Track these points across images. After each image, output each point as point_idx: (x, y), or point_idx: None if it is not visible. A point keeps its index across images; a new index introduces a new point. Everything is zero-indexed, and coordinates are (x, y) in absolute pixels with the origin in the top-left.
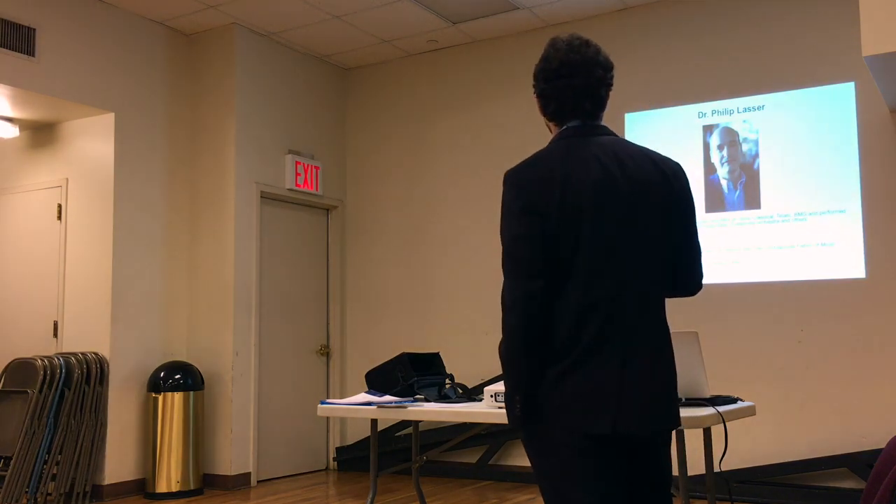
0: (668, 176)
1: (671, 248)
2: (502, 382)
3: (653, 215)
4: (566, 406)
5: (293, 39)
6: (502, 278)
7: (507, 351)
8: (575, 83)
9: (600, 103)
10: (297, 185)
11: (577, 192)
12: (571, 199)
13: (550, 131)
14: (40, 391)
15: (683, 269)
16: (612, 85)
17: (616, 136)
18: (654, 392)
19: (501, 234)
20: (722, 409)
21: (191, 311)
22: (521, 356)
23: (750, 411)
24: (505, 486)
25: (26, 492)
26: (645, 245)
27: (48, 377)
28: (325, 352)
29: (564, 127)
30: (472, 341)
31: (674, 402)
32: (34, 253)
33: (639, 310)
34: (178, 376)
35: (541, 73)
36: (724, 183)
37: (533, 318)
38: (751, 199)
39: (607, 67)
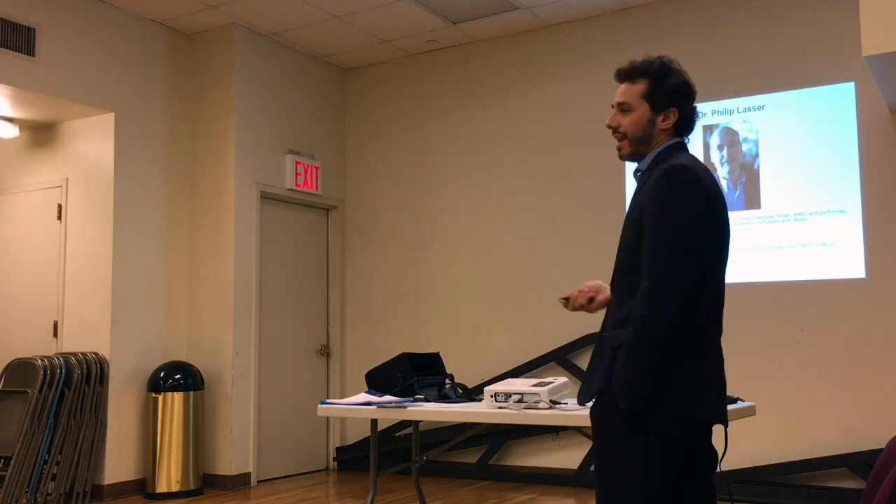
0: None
1: None
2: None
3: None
4: (683, 395)
5: (293, 39)
6: (662, 264)
7: (655, 331)
8: (696, 109)
9: None
10: (297, 185)
11: (723, 207)
12: (723, 211)
13: (646, 139)
14: (40, 391)
15: None
16: None
17: None
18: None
19: (665, 221)
20: None
21: (191, 311)
22: (665, 342)
23: (750, 411)
24: (505, 486)
25: (26, 492)
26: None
27: (48, 377)
28: (325, 352)
29: (678, 140)
30: (472, 341)
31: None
32: (34, 253)
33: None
34: (178, 376)
35: (688, 92)
36: (724, 183)
37: (682, 316)
38: (751, 199)
39: None
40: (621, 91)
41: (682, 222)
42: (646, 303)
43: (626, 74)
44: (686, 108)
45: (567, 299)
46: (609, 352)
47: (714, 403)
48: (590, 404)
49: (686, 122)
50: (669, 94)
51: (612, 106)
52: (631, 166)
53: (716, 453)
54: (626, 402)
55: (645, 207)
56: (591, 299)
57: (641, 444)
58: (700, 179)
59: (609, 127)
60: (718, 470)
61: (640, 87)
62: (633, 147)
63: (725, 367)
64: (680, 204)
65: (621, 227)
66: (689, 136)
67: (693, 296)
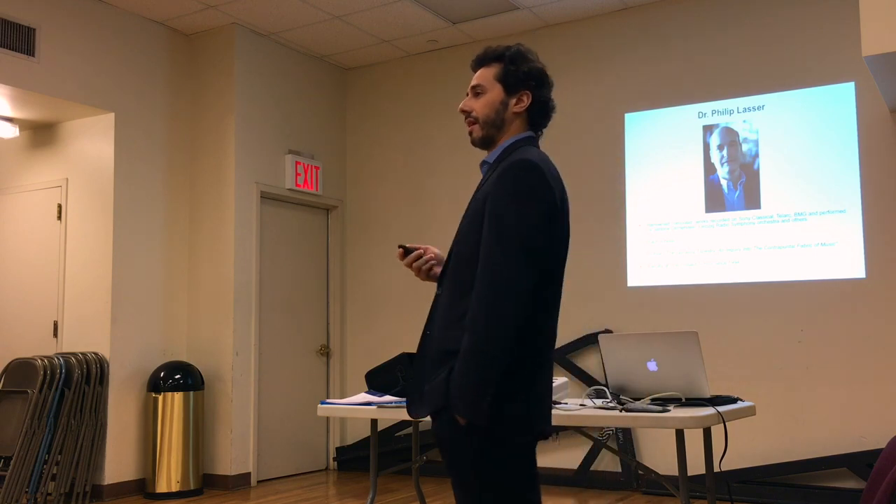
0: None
1: None
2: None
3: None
4: (531, 408)
5: (293, 39)
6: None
7: (493, 340)
8: (553, 101)
9: None
10: (297, 185)
11: (566, 206)
12: (565, 211)
13: (499, 124)
14: (40, 391)
15: None
16: None
17: None
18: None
19: (504, 217)
20: (722, 409)
21: (191, 311)
22: (507, 352)
23: (750, 411)
24: None
25: (26, 492)
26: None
27: (48, 377)
28: (325, 352)
29: (530, 133)
30: None
31: None
32: (34, 253)
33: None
34: (178, 376)
35: (544, 80)
36: (724, 183)
37: (525, 317)
38: (751, 199)
39: None
40: (476, 76)
41: (525, 221)
42: (483, 305)
43: (481, 60)
44: (541, 94)
45: (404, 249)
46: (439, 356)
47: (548, 415)
48: (426, 418)
49: (540, 110)
50: (524, 77)
51: (467, 93)
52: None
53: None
54: (469, 416)
55: (488, 200)
56: (429, 269)
57: (490, 458)
58: (544, 175)
59: (462, 111)
60: (718, 470)
61: (494, 69)
62: (485, 131)
63: (725, 367)
64: (524, 200)
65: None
66: (543, 130)
67: (534, 298)
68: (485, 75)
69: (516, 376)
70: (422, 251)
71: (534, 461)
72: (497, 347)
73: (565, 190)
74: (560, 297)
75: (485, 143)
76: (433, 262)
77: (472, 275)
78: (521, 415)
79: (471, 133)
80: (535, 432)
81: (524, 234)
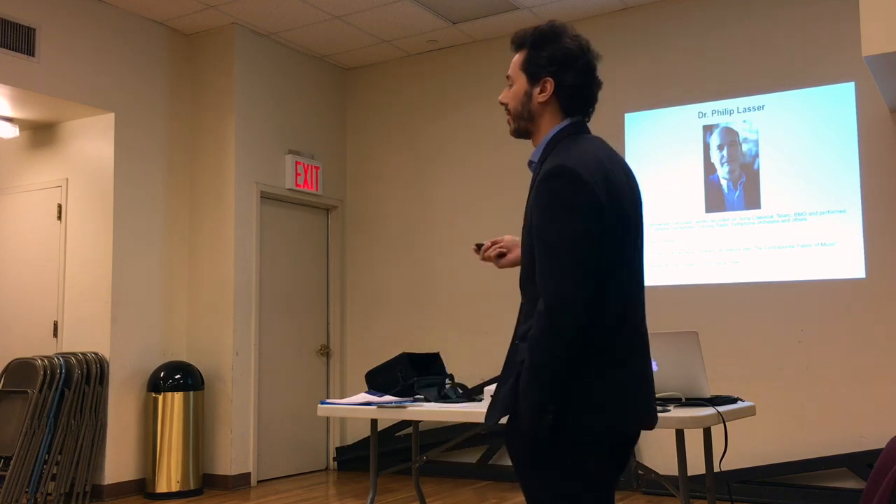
0: (639, 191)
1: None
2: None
3: (642, 225)
4: (599, 409)
5: (293, 39)
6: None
7: (549, 357)
8: (597, 81)
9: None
10: (297, 185)
11: (618, 196)
12: (616, 202)
13: (533, 117)
14: (40, 391)
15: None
16: None
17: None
18: (653, 398)
19: (548, 229)
20: (722, 409)
21: (191, 311)
22: (563, 365)
23: (750, 411)
24: (505, 486)
25: (26, 492)
26: (643, 255)
27: (48, 377)
28: (325, 352)
29: (570, 121)
30: (472, 341)
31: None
32: (34, 253)
33: (643, 317)
34: (178, 376)
35: (570, 59)
36: (724, 183)
37: (583, 328)
38: (751, 199)
39: None
40: (511, 63)
41: (567, 233)
42: (541, 323)
43: (513, 44)
44: (566, 77)
45: (478, 246)
46: (513, 367)
47: (625, 414)
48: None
49: (570, 95)
50: (545, 63)
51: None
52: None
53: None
54: (530, 426)
55: (532, 213)
56: (502, 255)
57: (554, 469)
58: (581, 178)
59: (500, 104)
60: (718, 470)
61: (521, 56)
62: (516, 123)
63: (725, 367)
64: (562, 213)
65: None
66: (589, 113)
67: (593, 307)
68: (514, 63)
69: (579, 385)
70: (489, 243)
71: (606, 468)
72: (556, 362)
73: (617, 174)
74: (634, 288)
75: (520, 135)
76: (501, 248)
77: (536, 288)
78: (586, 423)
79: (508, 125)
80: (606, 437)
81: (568, 248)
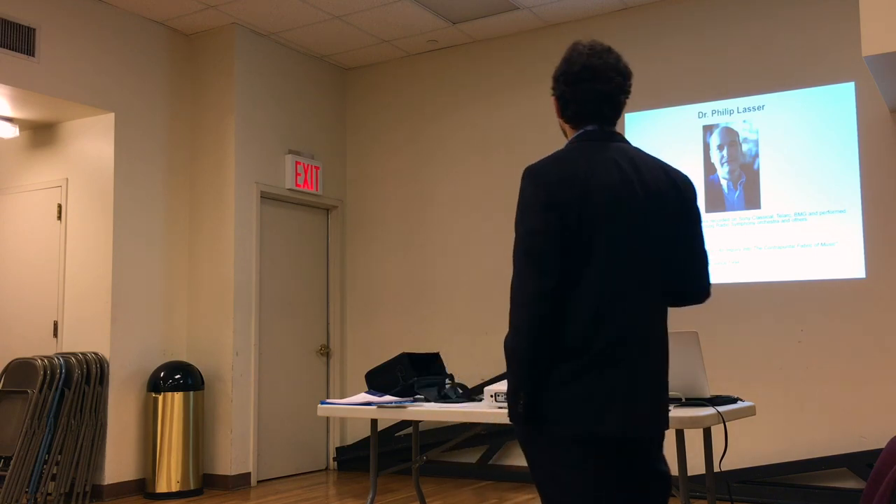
0: (678, 186)
1: (679, 256)
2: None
3: (664, 223)
4: (575, 406)
5: (293, 39)
6: (511, 272)
7: (515, 347)
8: (596, 87)
9: (618, 110)
10: (297, 185)
11: (598, 194)
12: (592, 200)
13: (565, 134)
14: (40, 391)
15: (692, 278)
16: (629, 93)
17: (629, 143)
18: (660, 397)
19: (517, 228)
20: (722, 409)
21: (191, 311)
22: (528, 354)
23: (750, 411)
24: (505, 486)
25: (26, 492)
26: (656, 252)
27: (48, 377)
28: (325, 352)
29: (582, 130)
30: (472, 341)
31: (667, 407)
32: (34, 253)
33: (649, 316)
34: (178, 376)
35: (562, 76)
36: (724, 183)
37: (543, 318)
38: (751, 199)
39: (626, 75)
40: None
41: (522, 228)
42: (510, 312)
43: None
44: (561, 90)
45: None
46: None
47: (600, 416)
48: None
49: (569, 107)
50: (552, 85)
51: None
52: None
53: (626, 466)
54: (510, 415)
55: None
56: None
57: (538, 454)
58: (536, 177)
59: None
60: (718, 470)
61: None
62: None
63: (725, 367)
64: (520, 208)
65: None
66: (613, 118)
67: (560, 302)
68: None
69: (552, 376)
70: None
71: (592, 464)
72: (521, 352)
73: (617, 170)
74: (620, 288)
75: None
76: None
77: None
78: (554, 424)
79: None
80: (576, 429)
81: (523, 240)
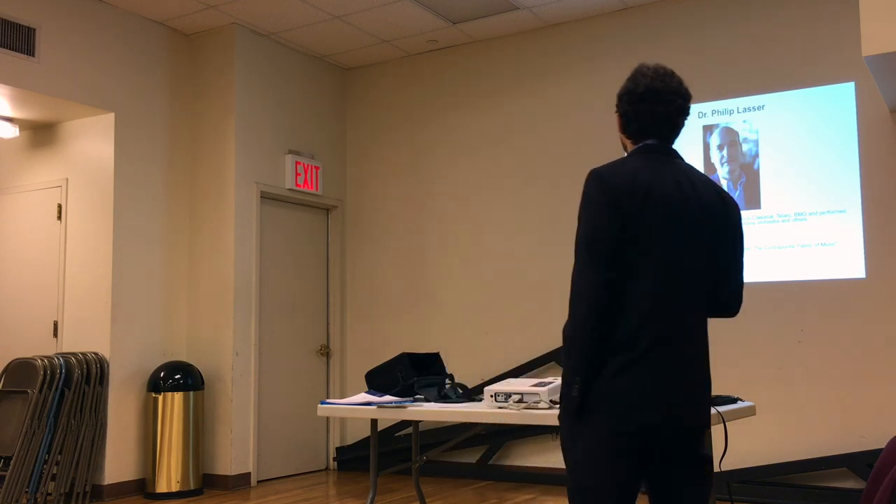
0: (728, 206)
1: (721, 270)
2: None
3: (714, 239)
4: (622, 398)
5: (293, 39)
6: (571, 264)
7: (573, 336)
8: (657, 109)
9: (677, 130)
10: (297, 185)
11: (658, 203)
12: (652, 208)
13: (625, 147)
14: (40, 391)
15: (731, 293)
16: (689, 113)
17: (684, 160)
18: (702, 395)
19: (579, 226)
20: (722, 409)
21: (191, 312)
22: (587, 343)
23: (750, 411)
24: (505, 486)
25: (26, 492)
26: (704, 265)
27: (48, 377)
28: (325, 352)
29: (642, 143)
30: (472, 341)
31: (709, 401)
32: (34, 253)
33: (693, 319)
34: (178, 376)
35: (626, 95)
36: (724, 183)
37: (603, 308)
38: (751, 199)
39: (687, 98)
40: None
41: (583, 230)
42: (570, 303)
43: None
44: (625, 108)
45: None
46: None
47: (639, 410)
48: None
49: (631, 123)
50: (616, 102)
51: None
52: None
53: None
54: (562, 399)
55: None
56: None
57: (569, 441)
58: (602, 179)
59: None
60: (718, 470)
61: None
62: None
63: (725, 367)
64: (584, 207)
65: None
66: (671, 137)
67: (609, 298)
68: None
69: (603, 368)
70: None
71: (637, 454)
72: (578, 337)
73: (674, 183)
74: (667, 293)
75: None
76: None
77: None
78: (603, 403)
79: None
80: (622, 420)
81: (583, 241)
